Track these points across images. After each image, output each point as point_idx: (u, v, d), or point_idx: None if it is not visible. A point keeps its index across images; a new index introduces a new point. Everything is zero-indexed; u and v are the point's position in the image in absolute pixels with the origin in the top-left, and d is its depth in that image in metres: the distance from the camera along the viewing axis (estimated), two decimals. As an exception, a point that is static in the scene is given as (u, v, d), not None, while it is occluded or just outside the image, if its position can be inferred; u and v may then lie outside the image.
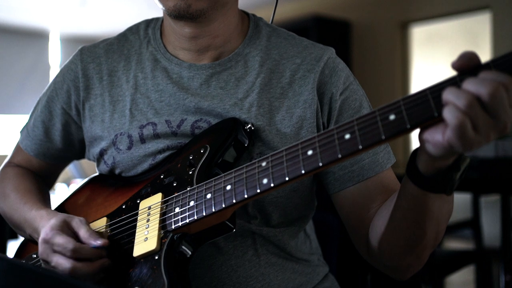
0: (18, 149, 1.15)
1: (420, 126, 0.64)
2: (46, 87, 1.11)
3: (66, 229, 0.86)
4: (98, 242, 0.84)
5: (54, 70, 6.70)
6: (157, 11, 1.43)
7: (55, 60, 6.76)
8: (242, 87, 0.97)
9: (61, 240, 0.83)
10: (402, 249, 0.83)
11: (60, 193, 4.90)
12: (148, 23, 1.09)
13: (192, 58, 1.00)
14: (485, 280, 2.52)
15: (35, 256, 0.98)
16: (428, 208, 0.74)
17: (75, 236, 0.86)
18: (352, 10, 5.21)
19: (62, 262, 0.83)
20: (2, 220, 1.17)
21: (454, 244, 4.70)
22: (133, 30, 1.09)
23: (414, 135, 0.68)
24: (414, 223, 0.78)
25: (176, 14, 0.93)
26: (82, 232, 0.86)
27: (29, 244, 1.03)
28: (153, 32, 1.06)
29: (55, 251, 0.84)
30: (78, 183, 4.56)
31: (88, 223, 0.89)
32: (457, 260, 2.45)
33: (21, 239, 1.07)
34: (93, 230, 0.87)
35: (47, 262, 0.86)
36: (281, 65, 0.99)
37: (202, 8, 0.93)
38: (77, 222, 0.87)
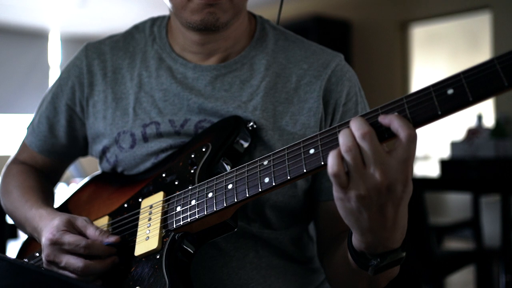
0: (23, 146, 1.14)
1: (420, 126, 0.65)
2: (52, 83, 1.10)
3: (72, 228, 0.86)
4: (111, 239, 0.85)
5: (54, 70, 6.70)
6: (158, 11, 1.43)
7: (55, 60, 6.76)
8: (247, 90, 0.96)
9: (72, 239, 0.83)
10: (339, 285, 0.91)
11: (60, 193, 4.89)
12: (154, 20, 1.08)
13: (199, 59, 0.99)
14: (485, 280, 2.53)
15: (37, 254, 0.98)
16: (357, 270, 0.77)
17: (82, 235, 0.86)
18: (352, 10, 5.21)
19: (74, 262, 0.82)
20: (2, 220, 1.17)
21: (454, 244, 4.70)
22: (139, 27, 1.08)
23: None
24: (347, 273, 0.82)
25: (203, 28, 0.91)
26: (91, 231, 0.85)
27: (32, 242, 1.03)
28: (158, 31, 1.05)
29: (65, 251, 0.84)
30: (78, 182, 4.56)
31: (92, 222, 0.89)
32: (457, 260, 2.45)
33: (21, 239, 1.07)
34: (100, 228, 0.87)
35: (54, 263, 0.85)
36: (288, 69, 0.98)
37: (228, 20, 0.92)
38: (82, 222, 0.87)
